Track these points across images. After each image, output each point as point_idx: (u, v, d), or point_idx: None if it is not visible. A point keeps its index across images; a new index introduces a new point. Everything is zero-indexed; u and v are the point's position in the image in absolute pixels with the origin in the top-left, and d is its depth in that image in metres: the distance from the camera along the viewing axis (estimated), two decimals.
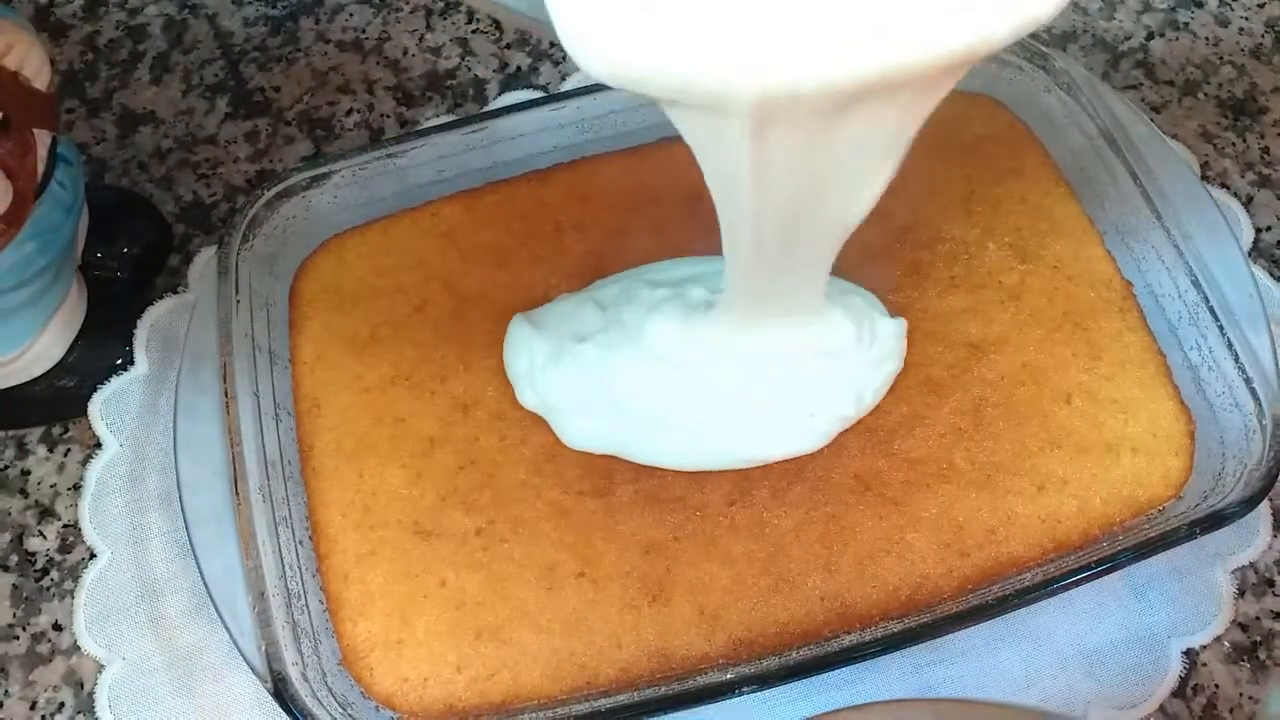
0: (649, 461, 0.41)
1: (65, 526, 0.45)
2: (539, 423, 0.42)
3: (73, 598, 0.43)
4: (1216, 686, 0.42)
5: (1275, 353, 0.41)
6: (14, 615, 0.44)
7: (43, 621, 0.43)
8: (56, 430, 0.47)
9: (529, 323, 0.44)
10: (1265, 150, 0.53)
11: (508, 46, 0.57)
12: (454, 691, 0.38)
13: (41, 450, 0.47)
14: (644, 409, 0.42)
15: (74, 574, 0.44)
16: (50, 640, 0.43)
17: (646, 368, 0.42)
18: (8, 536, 0.45)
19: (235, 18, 0.57)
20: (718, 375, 0.42)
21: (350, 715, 0.36)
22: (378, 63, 0.56)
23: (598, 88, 0.47)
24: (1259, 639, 0.43)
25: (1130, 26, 0.57)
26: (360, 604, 0.39)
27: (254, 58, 0.56)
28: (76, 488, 0.46)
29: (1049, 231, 0.45)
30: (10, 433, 0.47)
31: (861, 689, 0.41)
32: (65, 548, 0.45)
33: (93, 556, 0.44)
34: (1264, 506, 0.44)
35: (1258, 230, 0.51)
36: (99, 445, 0.46)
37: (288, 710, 0.36)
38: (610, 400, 0.42)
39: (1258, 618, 0.43)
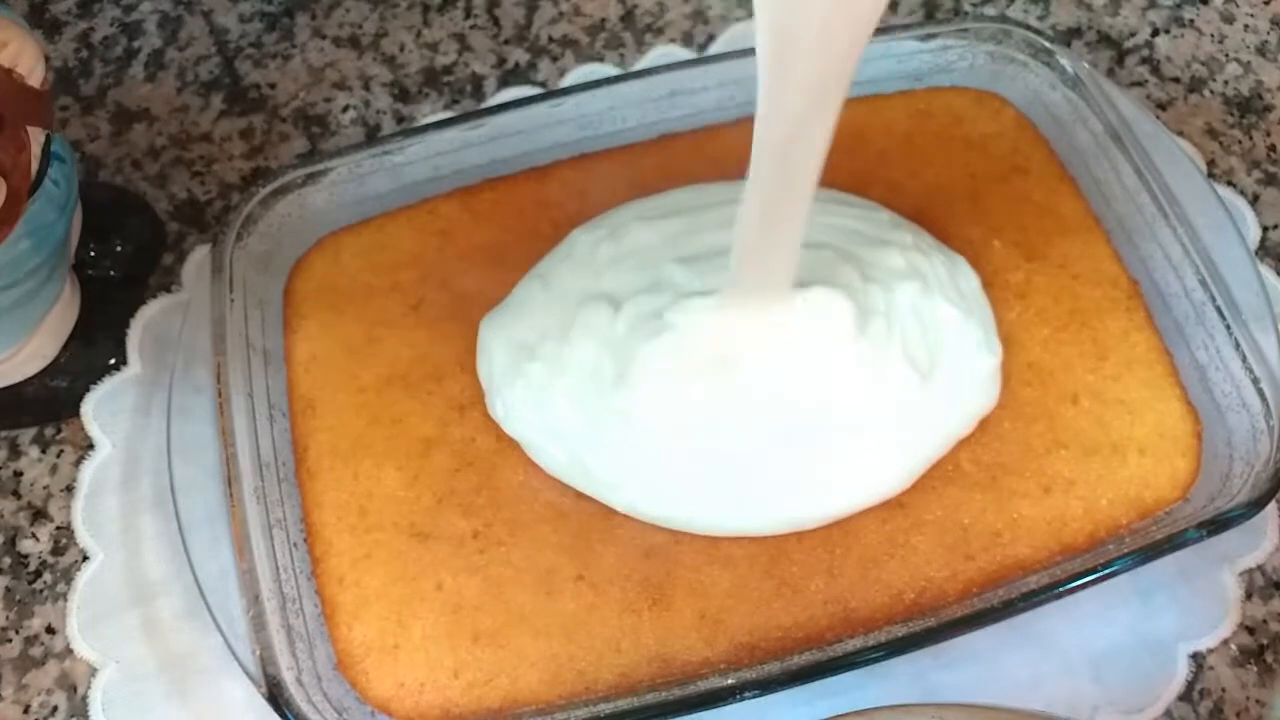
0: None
1: (58, 528, 0.45)
2: None
3: (66, 600, 0.43)
4: (1223, 690, 0.42)
5: None
6: (6, 618, 0.43)
7: (35, 624, 0.43)
8: (49, 431, 0.46)
9: (491, 324, 0.42)
10: (1272, 148, 0.53)
11: (506, 42, 0.56)
12: (451, 696, 0.37)
13: (34, 451, 0.46)
14: (606, 461, 0.39)
15: (67, 576, 0.44)
16: (43, 643, 0.43)
17: (590, 407, 0.39)
18: (0, 538, 0.45)
19: (231, 14, 0.57)
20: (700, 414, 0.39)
21: None
22: (374, 59, 0.56)
23: (597, 84, 0.46)
24: (1266, 642, 0.42)
25: (1135, 23, 0.57)
26: (356, 607, 0.38)
27: (249, 54, 0.56)
28: (69, 489, 0.45)
29: (1055, 229, 0.45)
30: (2, 433, 0.47)
31: (865, 694, 0.41)
32: (58, 550, 0.44)
33: (86, 559, 0.43)
34: (1271, 508, 0.44)
35: (1265, 229, 0.51)
36: (92, 446, 0.45)
37: (282, 715, 0.35)
38: (571, 447, 0.39)
39: (1265, 621, 0.43)
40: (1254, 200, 0.52)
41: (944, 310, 0.41)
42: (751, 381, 0.39)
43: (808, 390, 0.39)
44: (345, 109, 0.54)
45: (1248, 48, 0.56)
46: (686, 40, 0.56)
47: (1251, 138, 0.53)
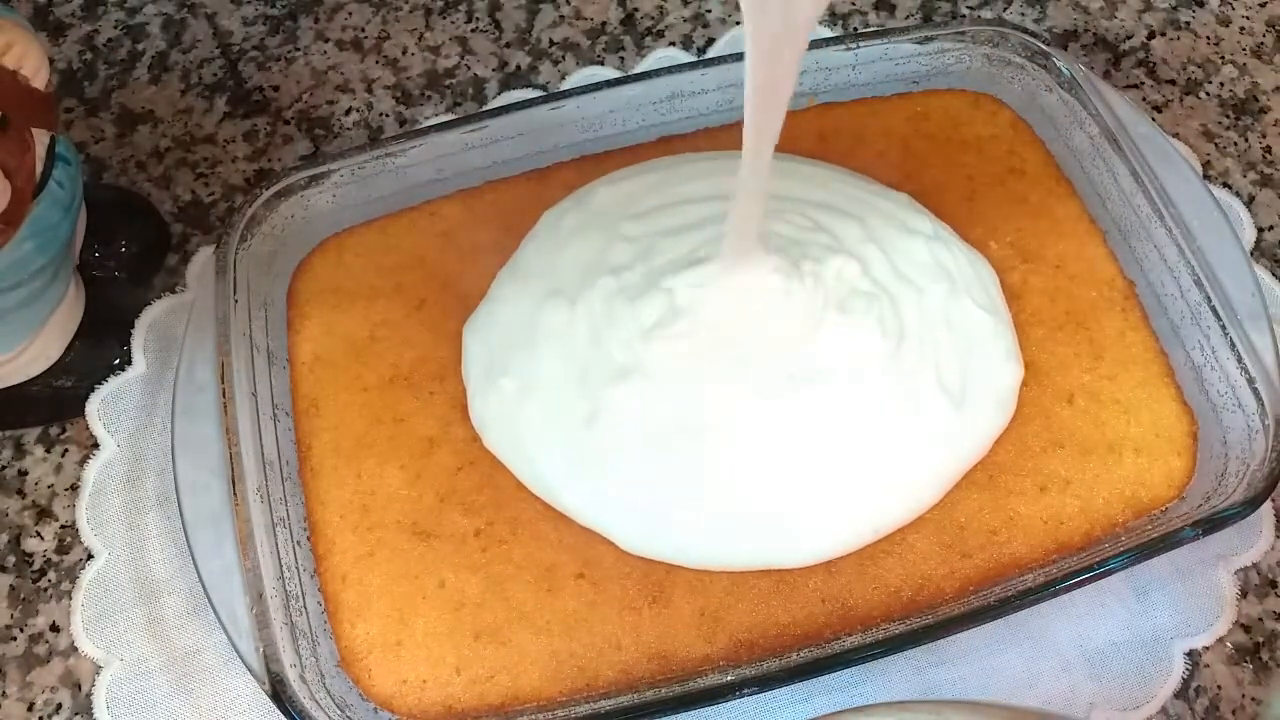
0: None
1: (63, 527, 0.45)
2: None
3: (70, 599, 0.43)
4: (1219, 688, 0.42)
5: (1278, 352, 0.41)
6: (11, 616, 0.43)
7: (40, 622, 0.43)
8: (54, 430, 0.47)
9: (471, 327, 0.42)
10: (1267, 150, 0.53)
11: (507, 45, 0.56)
12: (453, 693, 0.37)
13: (39, 450, 0.46)
14: (583, 501, 0.39)
15: (71, 575, 0.44)
16: (48, 641, 0.43)
17: (564, 444, 0.39)
18: (5, 537, 0.45)
19: (234, 17, 0.57)
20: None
21: (348, 717, 0.36)
22: (377, 62, 0.56)
23: (597, 87, 0.47)
24: (1261, 640, 0.43)
25: (1131, 25, 0.57)
26: (358, 605, 0.39)
27: (253, 57, 0.56)
28: (74, 488, 0.45)
29: (1051, 231, 0.45)
30: (7, 433, 0.47)
31: (863, 691, 0.41)
32: (63, 548, 0.45)
33: (90, 557, 0.44)
34: (1267, 507, 0.44)
35: (1260, 230, 0.51)
36: (96, 445, 0.46)
37: (285, 712, 0.36)
38: (546, 482, 0.39)
39: (1260, 619, 0.43)
40: (1249, 201, 0.52)
41: (974, 314, 0.41)
42: (751, 422, 0.39)
43: (827, 427, 0.39)
44: (348, 111, 0.54)
45: (1244, 50, 0.56)
46: (686, 43, 0.56)
47: (1247, 139, 0.53)
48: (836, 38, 0.48)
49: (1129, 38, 0.57)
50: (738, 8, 0.57)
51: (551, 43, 0.56)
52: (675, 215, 0.42)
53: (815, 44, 0.47)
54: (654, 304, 0.39)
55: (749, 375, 0.39)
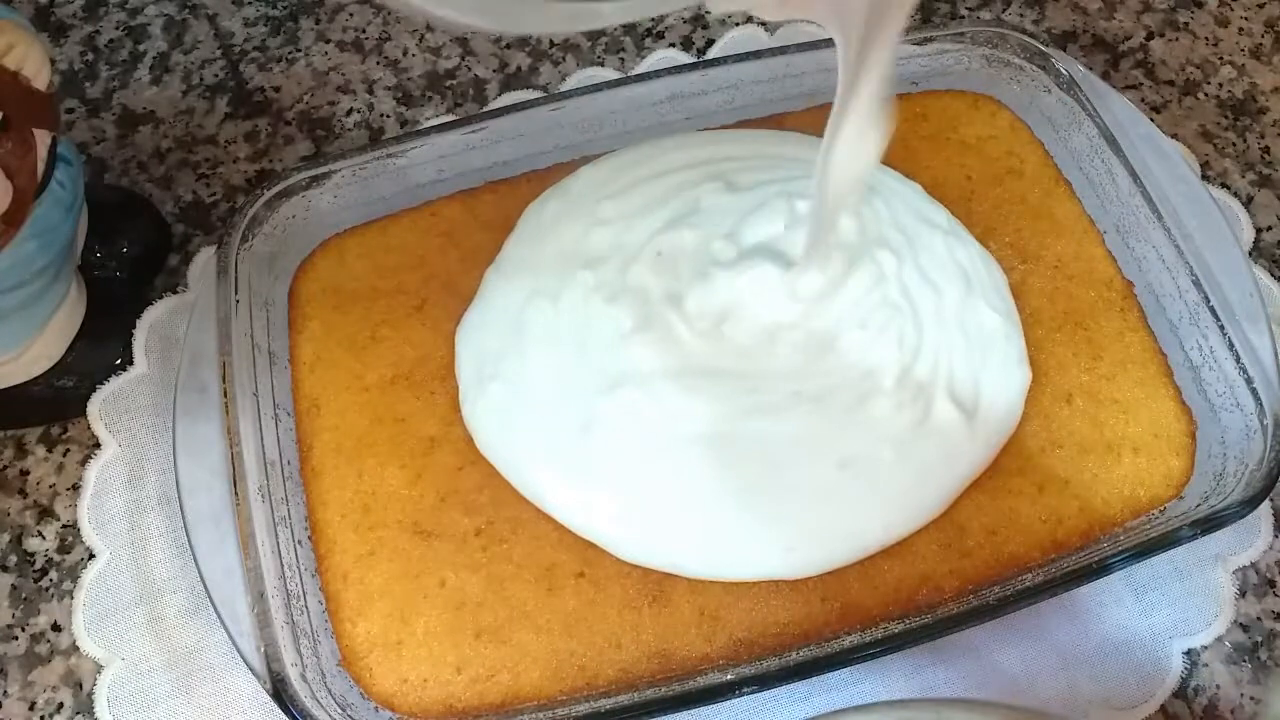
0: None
1: (64, 527, 0.45)
2: None
3: (72, 598, 0.43)
4: (1218, 687, 0.42)
5: (1276, 352, 0.41)
6: (13, 615, 0.43)
7: (42, 622, 0.43)
8: (55, 430, 0.47)
9: (463, 328, 0.42)
10: (1265, 150, 0.53)
11: (508, 46, 0.57)
12: (453, 692, 0.38)
13: (40, 450, 0.47)
14: (576, 511, 0.38)
15: (73, 574, 0.44)
16: (49, 641, 0.43)
17: (557, 455, 0.38)
18: (6, 537, 0.45)
19: (235, 18, 0.57)
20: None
21: (349, 716, 0.36)
22: (378, 62, 0.56)
23: (597, 88, 0.47)
24: (1260, 639, 0.43)
25: (1130, 26, 0.57)
26: (359, 604, 0.39)
27: (254, 58, 0.56)
28: (75, 488, 0.45)
29: (1049, 231, 0.45)
30: (9, 433, 0.47)
31: (862, 690, 0.41)
32: (64, 548, 0.45)
33: (92, 557, 0.44)
34: (1265, 507, 0.44)
35: (1258, 230, 0.51)
36: (98, 445, 0.46)
37: (287, 711, 0.36)
38: (539, 493, 0.39)
39: (1259, 618, 0.43)
40: (1248, 202, 0.52)
41: (988, 318, 0.41)
42: (752, 436, 0.38)
43: (832, 442, 0.38)
44: (349, 112, 0.55)
45: (1242, 51, 0.56)
46: (686, 45, 0.56)
47: (1245, 140, 0.54)
48: None
49: (1127, 38, 0.57)
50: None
51: (552, 44, 0.57)
52: (650, 189, 0.42)
53: (813, 44, 0.47)
54: (628, 307, 0.39)
55: (750, 388, 0.39)
